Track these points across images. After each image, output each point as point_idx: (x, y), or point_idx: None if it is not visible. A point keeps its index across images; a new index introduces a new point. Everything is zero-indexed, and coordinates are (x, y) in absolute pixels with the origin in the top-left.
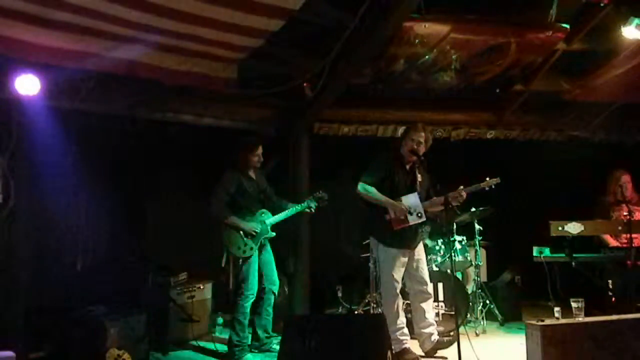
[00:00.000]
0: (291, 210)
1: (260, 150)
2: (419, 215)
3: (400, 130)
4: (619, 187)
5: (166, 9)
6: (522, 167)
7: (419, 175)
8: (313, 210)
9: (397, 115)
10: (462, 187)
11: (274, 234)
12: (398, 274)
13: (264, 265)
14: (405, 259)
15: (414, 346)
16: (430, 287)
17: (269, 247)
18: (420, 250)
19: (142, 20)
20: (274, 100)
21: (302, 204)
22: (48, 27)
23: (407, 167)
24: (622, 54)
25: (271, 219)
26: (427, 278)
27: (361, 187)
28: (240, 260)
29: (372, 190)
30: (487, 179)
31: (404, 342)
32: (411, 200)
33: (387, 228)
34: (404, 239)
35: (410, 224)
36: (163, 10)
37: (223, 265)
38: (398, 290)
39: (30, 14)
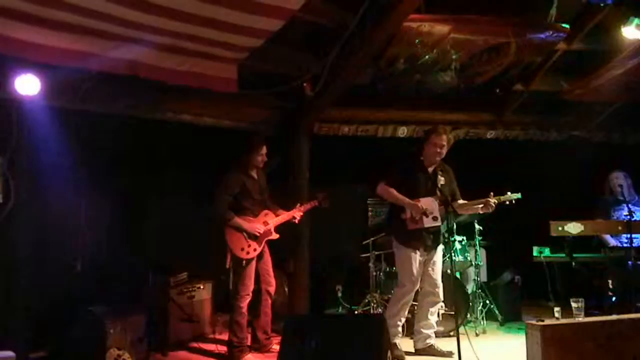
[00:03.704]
0: (284, 215)
1: (264, 150)
2: (435, 218)
3: (401, 130)
4: (618, 187)
5: (166, 9)
6: (522, 167)
7: (441, 179)
8: (300, 217)
9: (397, 115)
10: (492, 193)
11: (277, 235)
12: (415, 274)
13: (261, 266)
14: (422, 260)
15: (409, 344)
16: (441, 291)
17: (265, 248)
18: (438, 253)
19: (142, 20)
20: (274, 100)
21: (292, 210)
22: (48, 27)
23: (429, 170)
24: (622, 54)
25: (274, 221)
26: (439, 282)
27: (380, 187)
28: (244, 262)
29: (391, 189)
30: (509, 193)
31: (394, 338)
32: (428, 203)
33: (402, 227)
34: (419, 239)
35: (425, 226)
36: (163, 10)
37: (228, 266)
38: (414, 290)
39: (30, 14)
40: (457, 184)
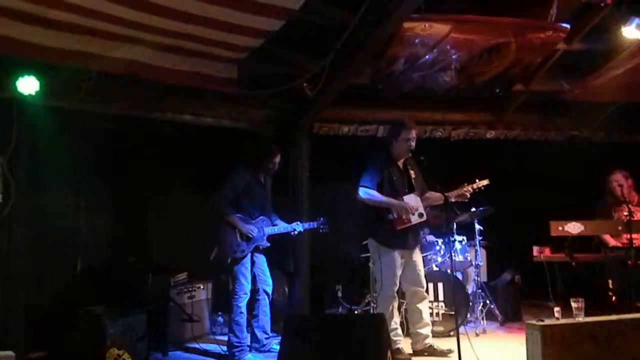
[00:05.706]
0: (280, 227)
1: (278, 159)
2: (420, 215)
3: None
4: (619, 187)
5: (166, 9)
6: (522, 167)
7: (412, 172)
8: (295, 234)
9: (397, 115)
10: (466, 183)
11: (269, 244)
12: (397, 275)
13: (255, 266)
14: (404, 260)
15: (406, 345)
16: (425, 287)
17: (256, 252)
18: (417, 252)
19: (142, 20)
20: (274, 100)
21: (291, 225)
22: (48, 27)
23: (400, 165)
24: (622, 54)
25: (269, 229)
26: (423, 280)
27: (362, 192)
28: (229, 260)
29: (374, 192)
30: (477, 180)
31: (397, 342)
32: (412, 200)
33: (389, 229)
34: (405, 239)
35: (413, 223)
36: (163, 10)
37: (211, 258)
38: (395, 292)
39: (31, 14)
40: (430, 185)
